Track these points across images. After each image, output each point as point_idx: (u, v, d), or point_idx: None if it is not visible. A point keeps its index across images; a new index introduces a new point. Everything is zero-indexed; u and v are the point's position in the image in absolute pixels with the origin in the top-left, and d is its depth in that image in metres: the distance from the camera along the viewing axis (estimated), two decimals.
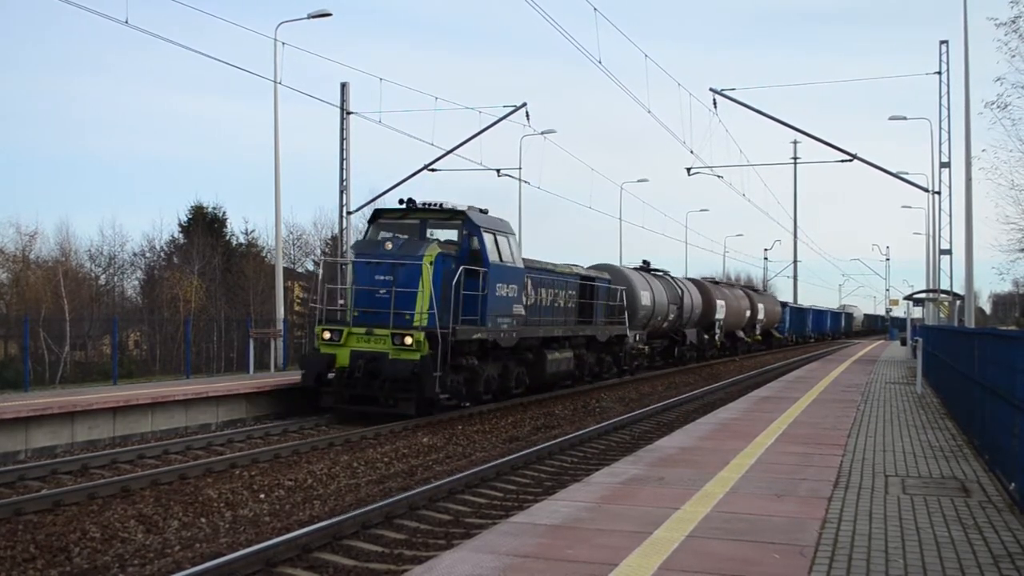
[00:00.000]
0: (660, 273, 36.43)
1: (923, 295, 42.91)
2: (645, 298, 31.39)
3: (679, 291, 36.86)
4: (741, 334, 49.25)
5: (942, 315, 35.45)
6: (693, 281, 41.86)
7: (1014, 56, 24.46)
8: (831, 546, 6.59)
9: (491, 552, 6.33)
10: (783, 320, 62.75)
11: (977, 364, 11.62)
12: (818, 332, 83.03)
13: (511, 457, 13.78)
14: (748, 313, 49.59)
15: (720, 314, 42.67)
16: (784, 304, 66.01)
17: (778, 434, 12.78)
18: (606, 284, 27.51)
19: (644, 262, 36.06)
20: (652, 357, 35.03)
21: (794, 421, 14.48)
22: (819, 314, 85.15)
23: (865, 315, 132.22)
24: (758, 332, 53.71)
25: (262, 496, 11.07)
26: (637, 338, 30.38)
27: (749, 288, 57.99)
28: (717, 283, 47.00)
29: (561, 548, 6.46)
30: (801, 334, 73.63)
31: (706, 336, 41.42)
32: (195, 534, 9.43)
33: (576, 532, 6.95)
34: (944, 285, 32.94)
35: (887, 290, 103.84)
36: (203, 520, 9.93)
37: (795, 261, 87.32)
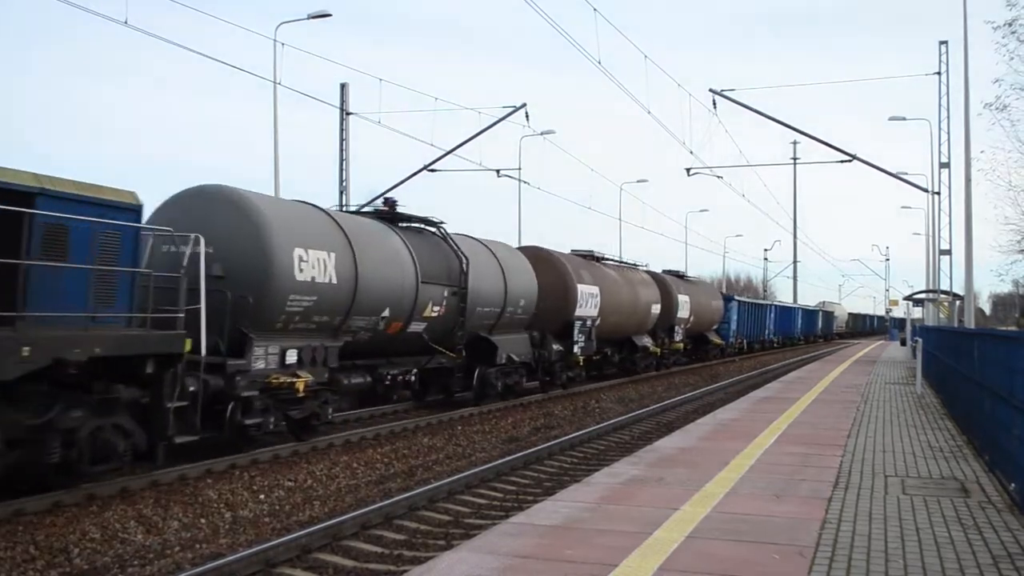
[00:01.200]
0: (418, 226, 18.56)
1: (923, 295, 42.94)
2: (311, 267, 13.82)
3: (458, 262, 18.39)
4: (646, 342, 31.59)
5: (942, 315, 35.46)
6: (528, 251, 23.98)
7: (1012, 58, 24.48)
8: (831, 546, 6.59)
9: (491, 552, 6.33)
10: (726, 320, 45.26)
11: (977, 365, 11.62)
12: (785, 335, 64.48)
13: (511, 458, 13.78)
14: (656, 309, 31.82)
15: (589, 309, 24.98)
16: (728, 298, 47.50)
17: (778, 434, 12.78)
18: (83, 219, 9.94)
19: (386, 201, 18.31)
20: (385, 394, 17.33)
21: (794, 421, 14.48)
22: (786, 312, 66.24)
23: (850, 314, 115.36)
24: (679, 337, 35.97)
25: (262, 497, 11.06)
26: (293, 360, 13.73)
27: (673, 273, 37.89)
28: (597, 259, 28.26)
29: (561, 548, 6.46)
30: (758, 339, 54.26)
31: (558, 347, 23.19)
32: (195, 535, 9.44)
33: (576, 532, 6.95)
34: (944, 285, 33.00)
35: (887, 290, 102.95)
36: (203, 521, 9.92)
37: (795, 262, 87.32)
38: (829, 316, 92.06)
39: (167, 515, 9.88)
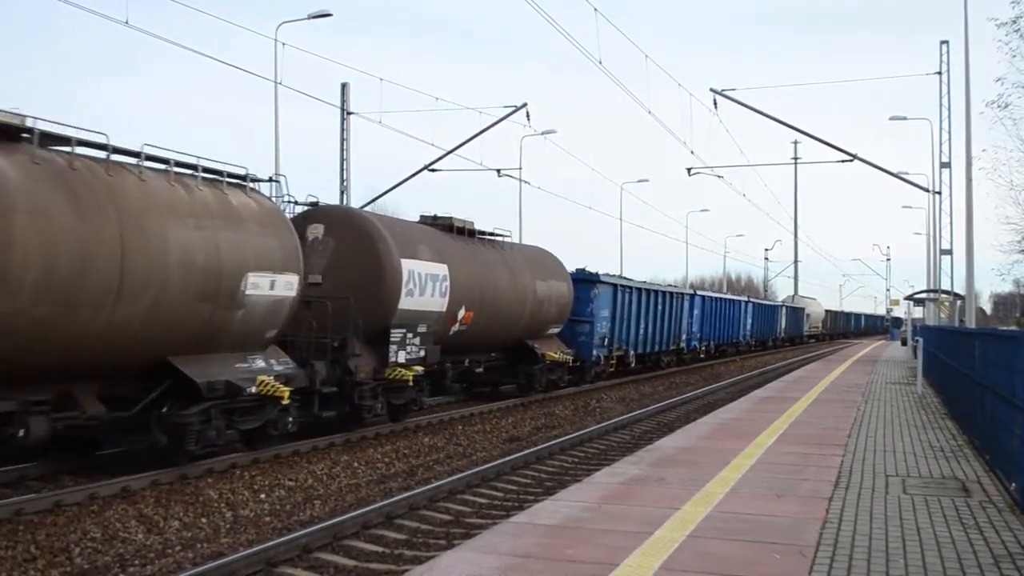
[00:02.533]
0: None
1: (924, 295, 42.91)
2: None
3: None
4: (243, 368, 12.18)
5: (943, 315, 35.46)
6: None
7: (1015, 56, 24.47)
8: (832, 546, 6.59)
9: (492, 552, 6.33)
10: (587, 317, 25.72)
11: (978, 364, 11.62)
12: (723, 341, 43.74)
13: (512, 457, 13.79)
14: (279, 285, 12.66)
15: None
16: (588, 279, 26.27)
17: (779, 434, 12.78)
18: None
19: None
20: None
21: (795, 421, 14.47)
22: (724, 307, 43.67)
23: (829, 312, 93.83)
24: (417, 353, 16.27)
25: (263, 496, 11.07)
26: None
27: (437, 223, 18.82)
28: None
29: (561, 548, 6.46)
30: (668, 347, 33.81)
31: None
32: (196, 534, 9.44)
33: (577, 532, 6.95)
34: (945, 285, 32.98)
35: (888, 290, 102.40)
36: (204, 520, 9.93)
37: (796, 261, 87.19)
38: (797, 314, 70.48)
39: (168, 515, 9.89)
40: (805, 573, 5.93)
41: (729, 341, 45.38)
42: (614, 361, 27.92)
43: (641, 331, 30.37)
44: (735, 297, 50.18)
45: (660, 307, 32.47)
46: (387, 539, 9.29)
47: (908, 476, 9.67)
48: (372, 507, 10.14)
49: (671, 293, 34.49)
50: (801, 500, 8.24)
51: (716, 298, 43.76)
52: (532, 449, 14.68)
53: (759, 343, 54.02)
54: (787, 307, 67.17)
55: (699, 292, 41.42)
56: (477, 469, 12.74)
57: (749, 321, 49.62)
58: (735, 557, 6.27)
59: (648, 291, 31.57)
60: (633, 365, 29.95)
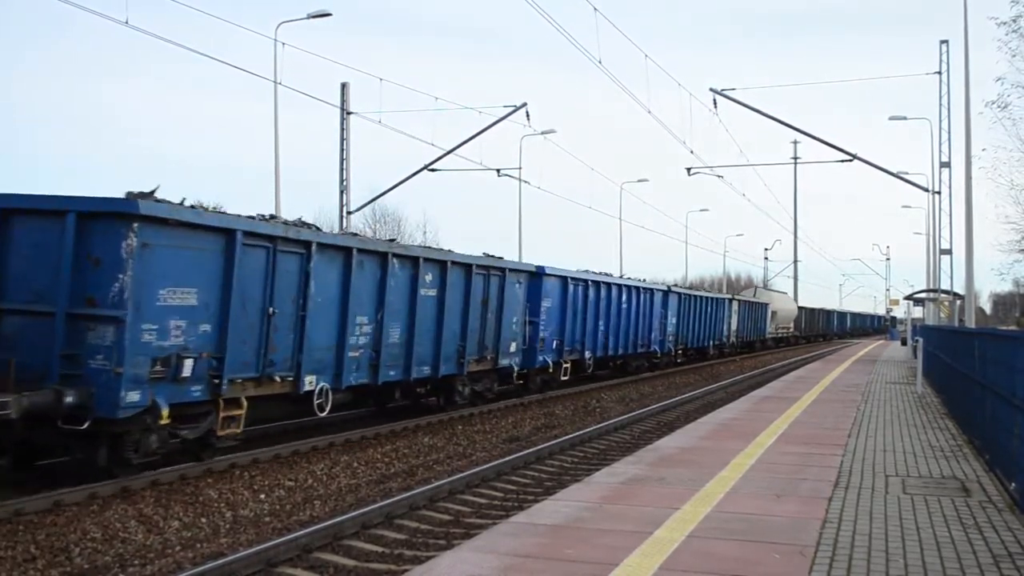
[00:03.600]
0: None
1: (923, 295, 42.94)
2: None
3: None
4: None
5: (943, 315, 35.46)
6: None
7: (1015, 56, 24.47)
8: (831, 546, 6.59)
9: (491, 552, 6.33)
10: (121, 306, 9.71)
11: (977, 364, 11.62)
12: (632, 349, 29.19)
13: (511, 457, 13.78)
14: None
15: None
16: (115, 212, 9.76)
17: (778, 434, 12.78)
18: None
19: None
20: None
21: (795, 421, 14.48)
22: (628, 300, 28.54)
23: (803, 309, 75.57)
24: None
25: (262, 496, 11.07)
26: None
27: None
28: None
29: (561, 548, 6.46)
30: (456, 368, 17.48)
31: None
32: (195, 534, 9.44)
33: (576, 532, 6.95)
34: (944, 285, 32.99)
35: (887, 290, 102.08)
36: (203, 520, 9.93)
37: (795, 261, 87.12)
38: (757, 311, 53.00)
39: (168, 514, 9.89)
40: (805, 573, 5.93)
41: (635, 351, 29.86)
42: (227, 416, 11.84)
43: (357, 339, 14.43)
44: (646, 285, 31.57)
45: (451, 294, 17.18)
46: (387, 539, 9.29)
47: (908, 476, 9.67)
48: (372, 507, 10.14)
49: (474, 266, 18.17)
50: (801, 500, 8.24)
51: (604, 283, 26.57)
52: (532, 449, 14.68)
53: (694, 351, 38.72)
54: (740, 302, 48.68)
55: (556, 272, 23.28)
56: (477, 469, 12.74)
57: (673, 321, 33.82)
58: (735, 557, 6.28)
59: (401, 259, 15.64)
60: (326, 412, 13.81)
